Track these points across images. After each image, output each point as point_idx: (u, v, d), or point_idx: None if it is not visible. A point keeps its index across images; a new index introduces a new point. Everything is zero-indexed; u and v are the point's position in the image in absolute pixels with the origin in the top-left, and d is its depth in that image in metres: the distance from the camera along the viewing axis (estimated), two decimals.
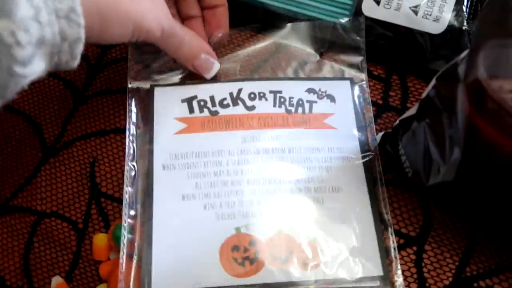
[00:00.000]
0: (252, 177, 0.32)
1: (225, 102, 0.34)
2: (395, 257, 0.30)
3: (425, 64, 0.36)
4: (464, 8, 0.34)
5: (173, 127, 0.34)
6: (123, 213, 0.32)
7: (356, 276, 0.29)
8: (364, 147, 0.34)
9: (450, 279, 0.30)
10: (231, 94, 0.35)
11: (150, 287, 0.29)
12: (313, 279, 0.29)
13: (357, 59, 0.36)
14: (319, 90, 0.35)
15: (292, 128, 0.34)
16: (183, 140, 0.33)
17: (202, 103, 0.34)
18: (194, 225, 0.30)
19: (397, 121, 0.32)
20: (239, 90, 0.35)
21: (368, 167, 0.33)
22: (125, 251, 0.30)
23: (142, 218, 0.31)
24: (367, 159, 0.33)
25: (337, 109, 0.35)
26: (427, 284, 0.31)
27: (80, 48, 0.26)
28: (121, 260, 0.30)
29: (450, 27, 0.34)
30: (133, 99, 0.35)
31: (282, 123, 0.34)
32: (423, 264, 0.31)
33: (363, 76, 0.36)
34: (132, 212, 0.32)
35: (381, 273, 0.29)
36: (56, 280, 0.34)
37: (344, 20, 0.37)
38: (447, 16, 0.34)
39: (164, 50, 0.34)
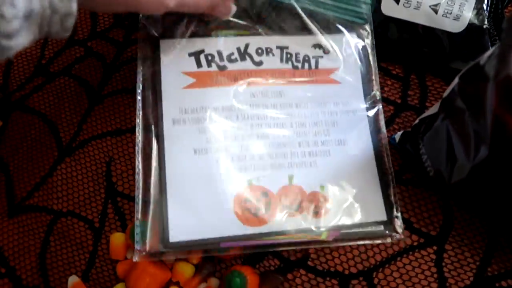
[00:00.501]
0: (262, 131, 0.32)
1: (232, 57, 0.34)
2: (395, 203, 0.32)
3: (445, 63, 0.36)
4: (485, 7, 0.34)
5: (181, 81, 0.33)
6: (136, 161, 0.32)
7: (362, 221, 0.31)
8: (369, 100, 0.34)
9: (471, 278, 0.30)
10: (238, 49, 0.34)
11: (168, 235, 0.29)
12: (322, 225, 0.30)
13: (362, 9, 0.36)
14: (325, 45, 0.35)
15: (298, 84, 0.34)
16: (192, 94, 0.33)
17: (209, 57, 0.34)
18: (207, 178, 0.31)
19: (417, 120, 0.32)
20: (247, 45, 0.34)
21: (373, 120, 0.34)
22: (140, 198, 0.31)
23: (156, 170, 0.31)
24: (371, 111, 0.34)
25: (342, 63, 0.35)
26: (447, 284, 0.30)
27: (71, 22, 0.25)
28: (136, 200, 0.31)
29: (470, 26, 0.34)
30: (142, 53, 0.34)
31: (289, 79, 0.34)
32: (443, 264, 0.31)
33: (367, 27, 0.36)
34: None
35: (384, 218, 0.31)
36: (73, 279, 0.34)
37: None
38: (468, 14, 0.34)
39: None
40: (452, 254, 0.31)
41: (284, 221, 0.30)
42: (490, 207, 0.29)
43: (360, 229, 0.31)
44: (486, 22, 0.34)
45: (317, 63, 0.35)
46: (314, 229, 0.30)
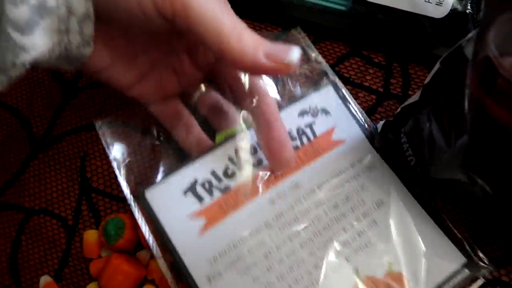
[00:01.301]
0: (304, 237, 0.27)
1: (229, 172, 0.29)
2: (464, 238, 0.28)
3: (427, 49, 0.34)
4: None
5: (192, 228, 0.28)
6: None
7: (445, 276, 0.27)
8: (375, 145, 0.31)
9: None
10: (230, 159, 0.29)
11: None
12: None
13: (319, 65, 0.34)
14: (309, 108, 0.32)
15: (309, 163, 0.30)
16: (212, 236, 0.27)
17: (207, 185, 0.29)
18: None
19: (399, 109, 0.31)
20: (236, 151, 0.29)
21: (390, 158, 0.31)
22: None
23: None
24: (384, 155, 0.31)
25: (336, 120, 0.32)
26: None
27: (90, 28, 0.23)
28: None
29: (453, 11, 0.33)
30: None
31: (297, 164, 0.30)
32: None
33: (333, 75, 0.33)
34: None
35: (464, 259, 0.28)
36: (45, 280, 0.32)
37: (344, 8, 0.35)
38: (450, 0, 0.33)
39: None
40: None
41: None
42: (471, 197, 0.28)
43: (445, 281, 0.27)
44: (469, 7, 0.33)
45: (313, 131, 0.31)
46: None
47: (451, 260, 0.27)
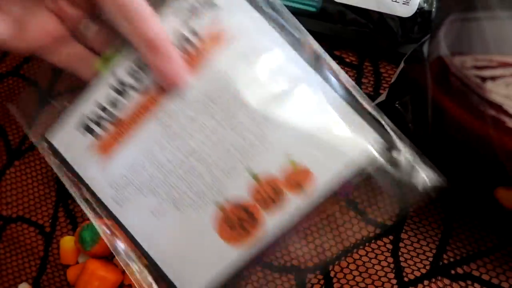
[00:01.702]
0: (196, 145, 0.26)
1: (113, 100, 0.28)
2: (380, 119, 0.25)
3: (397, 48, 0.35)
4: None
5: (92, 161, 0.28)
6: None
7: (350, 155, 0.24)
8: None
9: (428, 267, 0.30)
10: (112, 87, 0.28)
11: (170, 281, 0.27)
12: (314, 194, 0.25)
13: None
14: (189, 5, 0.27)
15: (197, 72, 0.26)
16: (113, 165, 0.28)
17: (95, 117, 0.28)
18: (178, 228, 0.27)
19: None
20: (115, 75, 0.27)
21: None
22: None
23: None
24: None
25: (225, 13, 0.26)
26: (404, 274, 0.30)
27: None
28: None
29: (420, 10, 0.33)
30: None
31: (191, 66, 0.26)
32: (399, 253, 0.30)
33: None
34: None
35: (382, 145, 0.24)
36: (23, 287, 0.32)
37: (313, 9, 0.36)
38: None
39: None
40: (408, 243, 0.30)
41: (277, 219, 0.25)
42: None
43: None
44: (435, 6, 0.33)
45: (194, 32, 0.26)
46: (310, 203, 0.25)
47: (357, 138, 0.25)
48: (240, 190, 0.26)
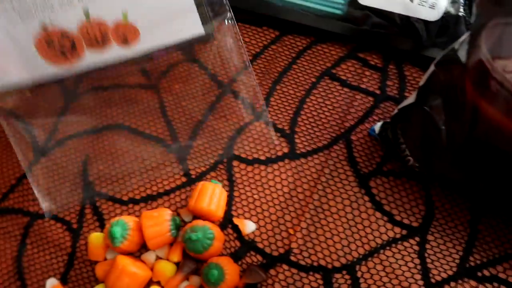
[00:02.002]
0: None
1: None
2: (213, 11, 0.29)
3: (422, 52, 0.35)
4: None
5: None
6: None
7: (177, 38, 0.29)
8: None
9: (454, 269, 0.30)
10: None
11: None
12: (135, 52, 0.29)
13: None
14: None
15: None
16: None
17: None
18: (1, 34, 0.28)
19: (396, 110, 0.32)
20: None
21: None
22: None
23: None
24: None
25: None
26: (430, 275, 0.30)
27: None
28: None
29: (446, 14, 0.34)
30: None
31: None
32: (426, 255, 0.30)
33: None
34: None
35: (202, 31, 0.29)
36: (51, 283, 0.33)
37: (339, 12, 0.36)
38: (443, 3, 0.34)
39: None
40: (434, 245, 0.31)
41: (95, 55, 0.29)
42: (471, 193, 0.29)
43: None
44: (461, 10, 0.34)
45: None
46: (129, 57, 0.29)
47: (190, 26, 0.29)
48: (69, 22, 0.28)
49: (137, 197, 0.35)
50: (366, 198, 0.32)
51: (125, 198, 0.35)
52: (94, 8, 0.28)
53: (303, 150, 0.35)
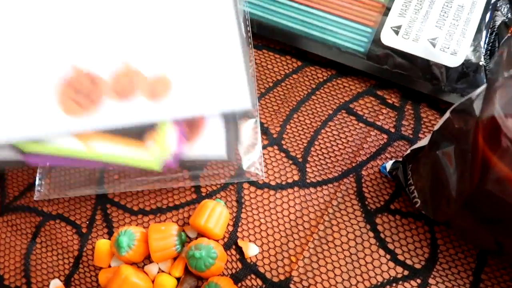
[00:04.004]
0: (92, 6, 0.26)
1: None
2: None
3: (440, 96, 0.36)
4: (482, 44, 0.34)
5: None
6: None
7: (221, 107, 0.26)
8: None
9: None
10: None
11: None
12: (162, 110, 0.26)
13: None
14: None
15: None
16: None
17: None
18: (22, 65, 0.26)
19: (409, 150, 0.32)
20: None
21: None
22: None
23: None
24: None
25: None
26: None
27: None
28: None
29: (467, 62, 0.34)
30: None
31: None
32: None
33: None
34: None
35: (249, 106, 0.27)
36: (55, 284, 0.34)
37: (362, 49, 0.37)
38: (465, 50, 0.34)
39: None
40: None
41: (116, 108, 0.26)
42: (476, 240, 0.29)
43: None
44: (482, 59, 0.34)
45: None
46: (153, 116, 0.26)
47: (238, 98, 0.26)
48: (103, 68, 0.26)
49: (147, 208, 0.36)
50: (371, 234, 0.33)
51: (135, 209, 0.36)
52: (135, 59, 0.27)
53: (313, 180, 0.35)
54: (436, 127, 0.30)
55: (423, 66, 0.36)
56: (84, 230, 0.35)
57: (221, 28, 0.27)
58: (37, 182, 0.36)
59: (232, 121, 0.28)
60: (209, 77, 0.27)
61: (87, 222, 0.36)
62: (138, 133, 0.27)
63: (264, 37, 0.41)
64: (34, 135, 0.26)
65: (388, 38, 0.37)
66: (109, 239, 0.35)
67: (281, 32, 0.39)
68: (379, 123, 0.37)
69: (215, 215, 0.33)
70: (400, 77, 0.37)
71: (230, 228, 0.34)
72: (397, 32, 0.37)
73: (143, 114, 0.26)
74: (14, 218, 0.37)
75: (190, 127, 0.27)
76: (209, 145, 0.28)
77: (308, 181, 0.35)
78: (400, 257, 0.32)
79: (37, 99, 0.26)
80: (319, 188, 0.35)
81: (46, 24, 0.26)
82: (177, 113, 0.26)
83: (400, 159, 0.33)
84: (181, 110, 0.26)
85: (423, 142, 0.31)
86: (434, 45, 0.35)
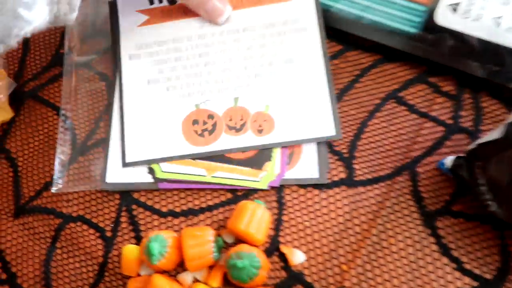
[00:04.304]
0: (209, 59, 0.35)
1: None
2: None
3: (504, 83, 0.32)
4: None
5: (136, 19, 0.36)
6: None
7: (310, 136, 0.32)
8: (322, 16, 0.35)
9: None
10: None
11: (124, 158, 0.33)
12: (267, 141, 0.32)
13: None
14: None
15: (247, 7, 0.35)
16: (146, 31, 0.36)
17: None
18: (159, 105, 0.34)
19: (474, 145, 0.28)
20: None
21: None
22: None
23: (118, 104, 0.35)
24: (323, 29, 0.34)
25: None
26: None
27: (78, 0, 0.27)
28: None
29: None
30: None
31: (237, 4, 0.35)
32: None
33: None
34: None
35: (333, 133, 0.32)
36: None
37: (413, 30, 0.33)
38: None
39: None
40: None
41: (229, 140, 0.32)
42: None
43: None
44: None
45: None
46: (258, 146, 0.32)
47: (324, 128, 0.32)
48: (219, 106, 0.33)
49: (177, 209, 0.32)
50: (432, 239, 0.29)
51: (164, 210, 0.32)
52: (243, 98, 0.33)
53: (363, 178, 0.32)
54: (510, 119, 0.26)
55: (484, 49, 0.32)
56: (108, 234, 0.32)
57: (310, 62, 0.34)
58: (56, 173, 0.33)
59: (323, 147, 0.32)
60: (302, 110, 0.33)
61: (112, 225, 0.32)
62: (252, 163, 0.32)
63: None
64: (165, 157, 0.33)
65: (444, 17, 0.33)
66: (137, 244, 0.32)
67: (328, 17, 0.35)
68: (433, 114, 0.33)
69: (256, 219, 0.29)
70: (457, 62, 0.33)
71: (271, 232, 0.31)
72: (455, 10, 0.32)
73: (251, 145, 0.32)
74: (31, 221, 0.33)
75: (290, 153, 0.32)
76: (305, 168, 0.32)
77: (357, 179, 0.32)
78: (467, 266, 0.28)
79: (168, 131, 0.33)
80: (369, 187, 0.31)
81: (178, 70, 0.35)
82: (278, 144, 0.32)
83: (463, 155, 0.29)
84: (282, 142, 0.32)
85: (493, 135, 0.27)
86: (498, 25, 0.31)
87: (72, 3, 0.28)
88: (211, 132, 0.33)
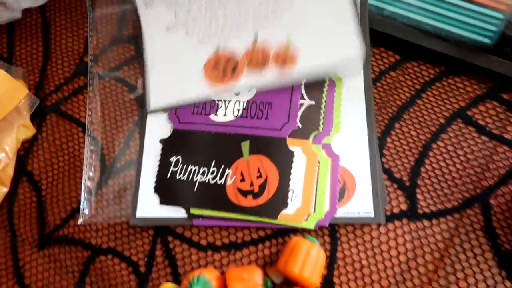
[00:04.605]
0: (225, 1, 0.33)
1: None
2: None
3: None
4: None
5: None
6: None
7: (336, 59, 0.30)
8: None
9: None
10: None
11: (149, 103, 0.32)
12: (292, 72, 0.30)
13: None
14: None
15: None
16: None
17: None
18: (180, 51, 0.33)
19: None
20: None
21: None
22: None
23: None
24: None
25: None
26: None
27: None
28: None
29: None
30: None
31: None
32: None
33: None
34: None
35: (357, 52, 0.29)
36: None
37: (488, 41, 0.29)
38: None
39: None
40: None
41: (253, 75, 0.31)
42: None
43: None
44: None
45: None
46: (284, 78, 0.30)
47: (346, 47, 0.30)
48: (238, 46, 0.32)
49: (218, 243, 0.29)
50: (508, 284, 0.26)
51: (203, 243, 0.29)
52: (263, 33, 0.32)
53: (427, 210, 0.28)
54: None
55: None
56: (142, 269, 0.29)
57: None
58: (82, 203, 0.30)
59: (379, 181, 0.28)
60: (325, 34, 0.30)
61: (145, 259, 0.29)
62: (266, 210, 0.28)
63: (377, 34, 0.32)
64: (186, 99, 0.32)
65: None
66: (174, 281, 0.29)
67: (372, 17, 0.31)
68: (507, 137, 0.29)
69: (310, 260, 0.26)
70: None
71: (324, 271, 0.27)
72: None
73: (274, 81, 0.30)
74: (57, 252, 0.31)
75: (342, 187, 0.28)
76: (359, 203, 0.28)
77: (420, 211, 0.28)
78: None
79: (191, 76, 0.32)
80: (434, 221, 0.28)
81: (194, 12, 0.34)
82: (304, 75, 0.30)
83: None
84: (303, 74, 0.30)
85: None
86: None
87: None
88: (233, 71, 0.31)
